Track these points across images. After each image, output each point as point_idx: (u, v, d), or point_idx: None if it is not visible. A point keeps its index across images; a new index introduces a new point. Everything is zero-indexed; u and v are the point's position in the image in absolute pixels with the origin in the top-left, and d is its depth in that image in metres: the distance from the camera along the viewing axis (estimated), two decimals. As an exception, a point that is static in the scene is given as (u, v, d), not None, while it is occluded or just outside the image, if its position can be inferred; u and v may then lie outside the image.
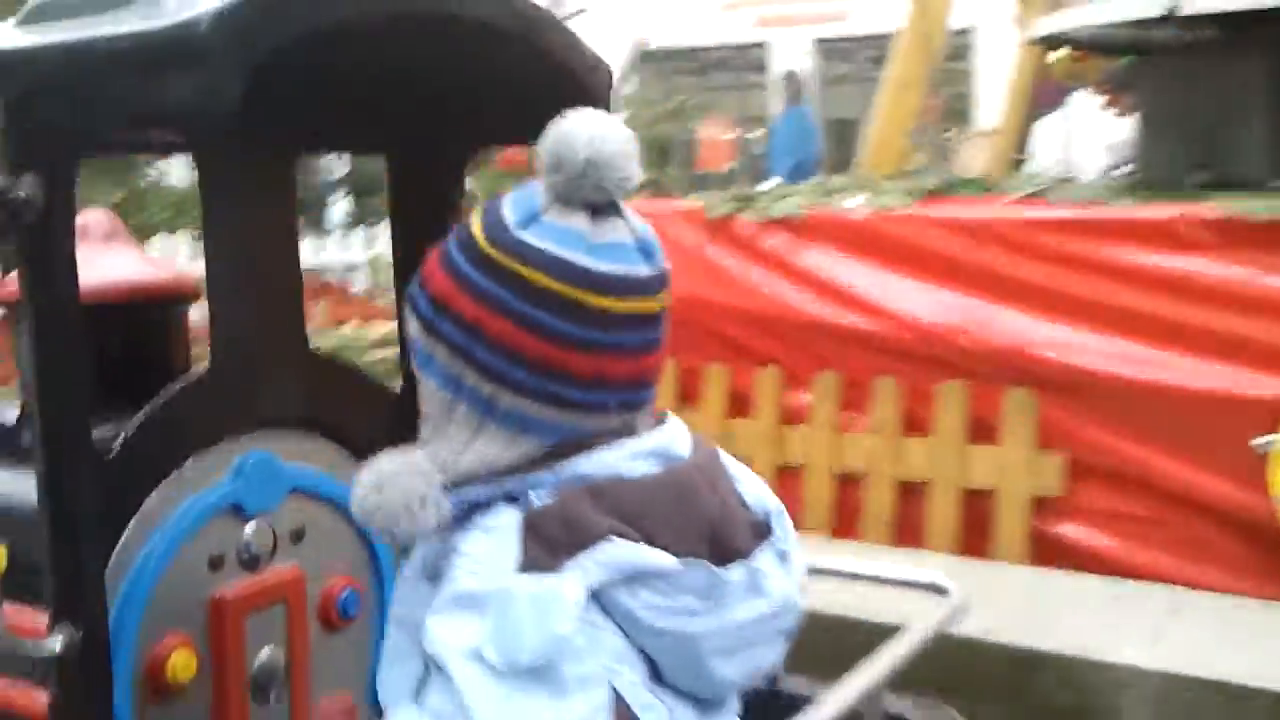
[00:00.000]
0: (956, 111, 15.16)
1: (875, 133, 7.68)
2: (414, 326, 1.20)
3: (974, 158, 9.01)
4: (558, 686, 1.05)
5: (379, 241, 10.45)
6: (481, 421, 1.16)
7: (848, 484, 4.39)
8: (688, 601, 1.13)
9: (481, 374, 1.15)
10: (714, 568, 1.14)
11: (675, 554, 1.12)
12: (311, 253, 10.70)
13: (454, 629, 1.08)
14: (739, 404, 4.64)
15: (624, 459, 1.15)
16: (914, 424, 4.26)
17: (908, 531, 4.21)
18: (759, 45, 18.53)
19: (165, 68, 1.25)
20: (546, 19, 1.61)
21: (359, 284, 10.41)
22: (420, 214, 1.93)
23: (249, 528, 1.64)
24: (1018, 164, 7.72)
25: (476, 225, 1.18)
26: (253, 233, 1.67)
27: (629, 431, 1.18)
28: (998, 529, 4.05)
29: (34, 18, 1.40)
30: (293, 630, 1.72)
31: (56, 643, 1.36)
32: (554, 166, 1.14)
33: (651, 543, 1.11)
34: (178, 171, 8.98)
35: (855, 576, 1.90)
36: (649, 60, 15.79)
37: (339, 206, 14.42)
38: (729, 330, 4.65)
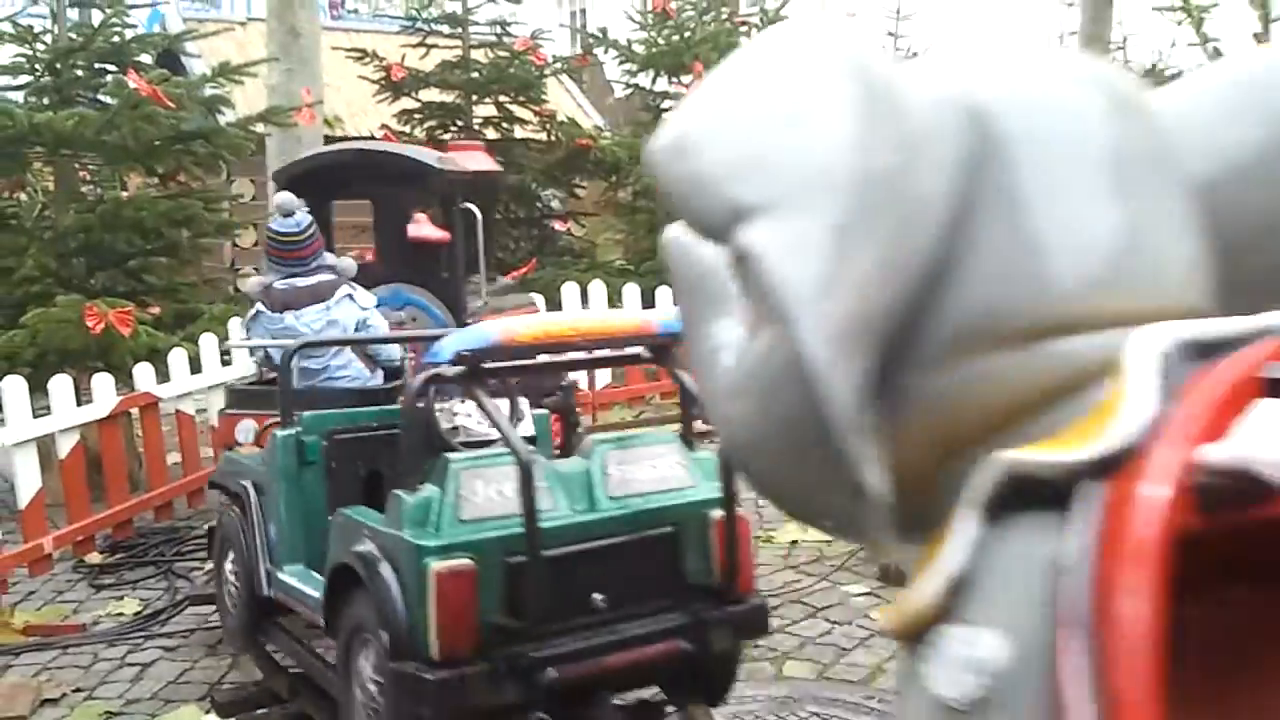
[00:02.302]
0: None
1: None
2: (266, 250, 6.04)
3: None
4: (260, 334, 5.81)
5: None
6: (270, 271, 5.89)
7: None
8: (291, 323, 5.64)
9: (270, 257, 5.90)
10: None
11: (289, 311, 5.68)
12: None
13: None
14: None
15: (282, 284, 5.74)
16: None
17: None
18: None
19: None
20: (409, 156, 7.51)
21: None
22: (388, 233, 7.50)
23: None
24: None
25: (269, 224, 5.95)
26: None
27: (302, 276, 5.77)
28: None
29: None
30: None
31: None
32: (278, 206, 5.86)
33: (285, 308, 5.69)
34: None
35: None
36: None
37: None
38: None
